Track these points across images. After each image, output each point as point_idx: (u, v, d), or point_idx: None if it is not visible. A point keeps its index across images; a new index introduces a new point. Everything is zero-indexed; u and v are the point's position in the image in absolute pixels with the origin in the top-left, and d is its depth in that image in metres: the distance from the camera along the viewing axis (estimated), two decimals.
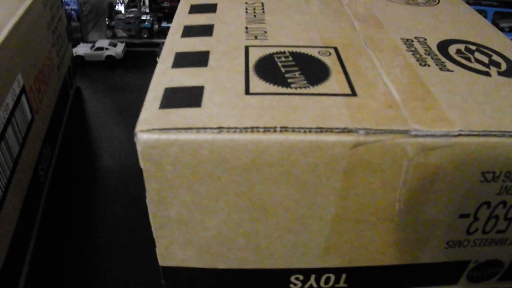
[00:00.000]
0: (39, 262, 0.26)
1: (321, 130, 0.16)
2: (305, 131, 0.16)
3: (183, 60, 0.21)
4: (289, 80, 0.19)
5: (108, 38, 0.50)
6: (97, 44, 0.46)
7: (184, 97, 0.18)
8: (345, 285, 0.22)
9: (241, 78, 0.19)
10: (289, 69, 0.20)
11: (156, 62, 0.47)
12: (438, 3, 0.30)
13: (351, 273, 0.22)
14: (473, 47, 0.24)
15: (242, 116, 0.17)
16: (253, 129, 0.16)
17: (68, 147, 0.35)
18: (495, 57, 0.23)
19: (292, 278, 0.22)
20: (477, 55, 0.23)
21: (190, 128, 0.16)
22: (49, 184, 0.31)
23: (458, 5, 0.30)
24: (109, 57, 0.46)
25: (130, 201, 0.30)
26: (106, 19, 0.51)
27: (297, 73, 0.20)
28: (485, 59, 0.23)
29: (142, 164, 0.17)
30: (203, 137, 0.16)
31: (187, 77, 0.19)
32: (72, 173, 0.32)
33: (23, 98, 0.26)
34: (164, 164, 0.17)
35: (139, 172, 0.33)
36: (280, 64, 0.20)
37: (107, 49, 0.46)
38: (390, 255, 0.21)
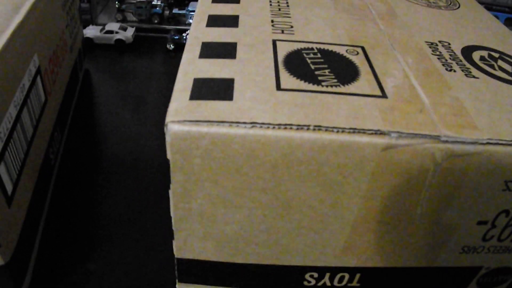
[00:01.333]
0: (48, 244, 0.26)
1: (354, 130, 0.16)
2: (338, 131, 0.16)
3: (210, 50, 0.21)
4: (319, 78, 0.19)
5: (118, 21, 0.49)
6: (107, 27, 0.46)
7: (215, 89, 0.18)
8: (358, 285, 0.23)
9: (271, 73, 0.19)
10: (319, 66, 0.20)
11: (166, 49, 0.47)
12: (459, 7, 0.30)
13: (365, 273, 0.22)
14: (496, 55, 0.24)
15: (275, 112, 0.17)
16: (286, 126, 0.16)
17: (77, 131, 0.34)
18: None
19: (307, 276, 0.22)
20: (501, 63, 0.23)
21: (223, 122, 0.16)
22: (58, 168, 0.31)
23: (478, 10, 0.30)
24: (118, 40, 0.45)
25: (137, 185, 0.30)
26: (117, 2, 0.50)
27: (326, 71, 0.20)
28: (509, 68, 0.23)
29: (170, 155, 0.17)
30: (236, 132, 0.16)
31: (216, 69, 0.19)
32: (80, 158, 0.32)
33: (38, 79, 0.26)
34: (193, 157, 0.17)
35: (147, 156, 0.32)
36: (309, 61, 0.20)
37: (117, 32, 0.45)
38: (406, 257, 0.21)
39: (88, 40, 0.45)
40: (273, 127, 0.16)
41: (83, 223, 0.27)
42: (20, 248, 0.22)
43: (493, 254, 0.22)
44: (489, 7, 0.51)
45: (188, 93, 0.17)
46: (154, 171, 0.31)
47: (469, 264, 0.22)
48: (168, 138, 0.16)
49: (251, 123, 0.16)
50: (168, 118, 0.16)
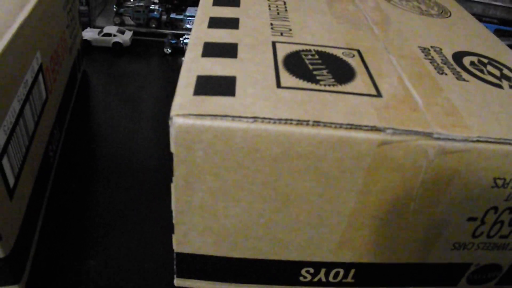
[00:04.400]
0: (46, 240, 0.26)
1: (351, 126, 0.17)
2: (336, 127, 0.17)
3: (212, 50, 0.21)
4: (317, 77, 0.20)
5: (116, 25, 0.50)
6: (105, 30, 0.46)
7: (217, 86, 0.18)
8: (352, 281, 0.23)
9: (271, 72, 0.20)
10: (317, 67, 0.21)
11: (163, 53, 0.48)
12: (450, 15, 0.32)
13: (359, 269, 0.22)
14: (485, 60, 0.25)
15: (276, 108, 0.17)
16: (286, 121, 0.17)
17: (75, 130, 0.35)
18: (506, 71, 0.24)
19: (303, 271, 0.22)
20: (489, 68, 0.24)
21: (226, 116, 0.17)
22: (56, 166, 0.31)
23: (469, 19, 0.32)
24: (116, 43, 0.46)
25: (134, 183, 0.30)
26: (114, 6, 0.50)
27: (324, 71, 0.20)
28: (497, 73, 0.24)
29: (173, 148, 0.17)
30: (238, 126, 0.17)
31: (218, 67, 0.20)
32: (78, 156, 0.32)
33: (40, 76, 0.26)
34: (196, 150, 0.17)
35: (143, 155, 0.33)
36: (307, 61, 0.21)
37: (115, 35, 0.46)
38: (399, 253, 0.22)
39: (86, 42, 0.46)
40: (274, 122, 0.17)
41: (81, 220, 0.28)
42: (20, 241, 0.22)
43: (483, 251, 0.22)
44: (479, 19, 0.52)
45: (191, 89, 0.18)
46: (150, 169, 0.32)
47: (459, 260, 0.23)
48: (172, 131, 0.17)
49: (253, 117, 0.17)
50: (173, 112, 0.17)
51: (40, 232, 0.26)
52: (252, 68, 0.20)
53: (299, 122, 0.17)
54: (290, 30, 0.24)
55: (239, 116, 0.17)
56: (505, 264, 0.24)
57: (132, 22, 0.50)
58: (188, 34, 0.48)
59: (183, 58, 0.47)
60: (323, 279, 0.23)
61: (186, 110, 0.17)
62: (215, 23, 0.24)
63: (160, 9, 0.50)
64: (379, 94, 0.19)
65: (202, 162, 0.18)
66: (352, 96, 0.19)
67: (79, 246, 0.26)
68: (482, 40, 0.28)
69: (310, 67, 0.21)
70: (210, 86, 0.18)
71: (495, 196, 0.20)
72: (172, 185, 0.19)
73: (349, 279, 0.23)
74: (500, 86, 0.22)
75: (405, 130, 0.18)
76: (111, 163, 0.32)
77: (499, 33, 0.51)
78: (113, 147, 0.34)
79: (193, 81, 0.19)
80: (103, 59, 0.45)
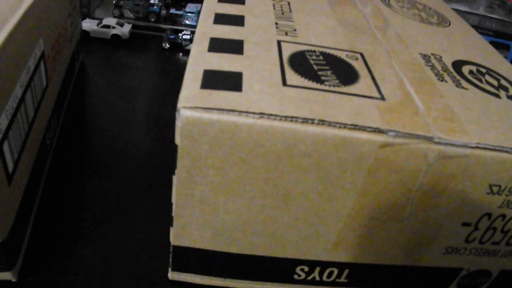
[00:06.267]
0: (41, 229, 0.26)
1: (355, 127, 0.17)
2: (340, 126, 0.17)
3: (218, 45, 0.21)
4: (322, 78, 0.20)
5: (115, 17, 0.50)
6: (104, 22, 0.46)
7: (224, 81, 0.18)
8: (345, 281, 0.23)
9: (277, 70, 0.20)
10: (321, 68, 0.21)
11: (161, 48, 0.47)
12: (449, 25, 0.32)
13: (353, 269, 0.23)
14: (483, 70, 0.26)
15: (282, 105, 0.17)
16: (292, 118, 0.17)
17: (71, 119, 0.35)
18: (503, 82, 0.25)
19: (298, 269, 0.23)
20: (487, 77, 0.25)
21: (232, 111, 0.17)
22: (52, 154, 0.31)
23: (467, 29, 0.32)
24: (115, 36, 0.46)
25: (128, 173, 0.30)
26: None
27: (328, 72, 0.21)
28: (495, 82, 0.24)
29: (179, 140, 0.17)
30: (244, 121, 0.17)
31: (224, 62, 0.20)
32: (73, 145, 0.32)
33: (42, 63, 0.26)
34: (201, 143, 0.17)
35: (137, 145, 0.33)
36: (312, 62, 0.21)
37: (114, 27, 0.45)
38: (392, 255, 0.22)
39: (85, 33, 0.46)
40: (280, 119, 0.17)
41: (75, 209, 0.27)
42: (15, 228, 0.22)
43: (474, 256, 0.23)
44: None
45: (199, 83, 0.18)
46: (145, 161, 0.32)
47: (451, 265, 0.23)
48: (178, 123, 0.17)
49: (260, 113, 0.17)
50: (180, 104, 0.17)
51: (34, 219, 0.26)
52: (258, 65, 0.20)
53: (305, 120, 0.17)
54: (295, 30, 0.24)
55: (246, 112, 0.17)
56: (494, 271, 0.24)
57: (131, 15, 0.50)
58: (187, 30, 0.48)
59: (181, 54, 0.47)
60: (317, 278, 0.23)
61: (193, 103, 0.17)
62: (220, 19, 0.24)
63: (160, 3, 0.50)
64: (382, 97, 0.20)
65: (206, 155, 0.18)
66: (356, 98, 0.19)
67: (72, 235, 0.26)
68: (480, 50, 0.28)
69: (315, 67, 0.21)
70: (217, 80, 0.18)
71: (489, 203, 0.20)
72: (174, 178, 0.19)
73: (342, 279, 0.23)
74: (497, 96, 0.23)
75: (407, 133, 0.18)
76: (106, 154, 0.32)
77: (493, 46, 0.52)
78: (107, 138, 0.33)
79: (200, 75, 0.19)
80: (101, 50, 0.45)
